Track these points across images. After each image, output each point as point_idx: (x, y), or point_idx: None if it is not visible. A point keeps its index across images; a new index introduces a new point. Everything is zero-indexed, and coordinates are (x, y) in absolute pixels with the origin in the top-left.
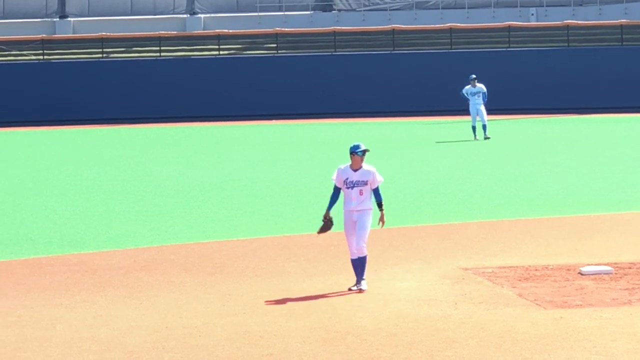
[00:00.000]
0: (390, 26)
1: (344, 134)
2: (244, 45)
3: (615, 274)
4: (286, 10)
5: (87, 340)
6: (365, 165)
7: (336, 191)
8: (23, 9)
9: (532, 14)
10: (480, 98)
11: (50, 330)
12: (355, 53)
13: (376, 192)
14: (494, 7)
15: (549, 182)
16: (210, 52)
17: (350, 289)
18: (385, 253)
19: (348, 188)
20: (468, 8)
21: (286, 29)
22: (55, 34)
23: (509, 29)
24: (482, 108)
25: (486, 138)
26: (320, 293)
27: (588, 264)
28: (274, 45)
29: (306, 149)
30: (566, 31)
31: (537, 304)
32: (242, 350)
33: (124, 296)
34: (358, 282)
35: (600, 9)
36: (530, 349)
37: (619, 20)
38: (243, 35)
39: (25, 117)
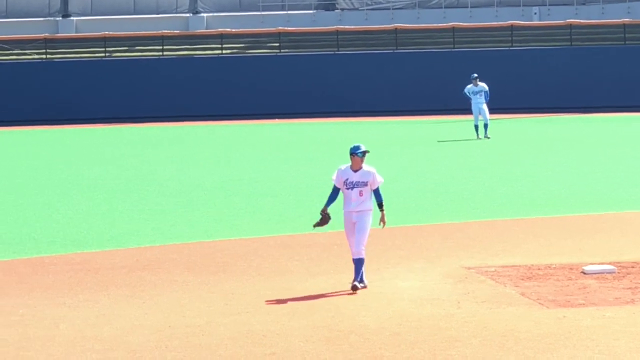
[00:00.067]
0: (392, 25)
1: (346, 133)
2: (247, 45)
3: (618, 273)
4: (289, 10)
5: (90, 339)
6: (365, 166)
7: (335, 191)
8: (25, 8)
9: (535, 13)
10: (483, 97)
11: (53, 329)
12: (358, 52)
13: (376, 192)
14: (497, 6)
15: (552, 182)
16: (213, 51)
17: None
18: (387, 252)
19: (348, 189)
20: (471, 7)
21: (289, 28)
22: (57, 33)
23: (512, 28)
24: (485, 107)
25: (486, 137)
26: (323, 292)
27: (591, 263)
28: (277, 44)
29: (309, 148)
30: (569, 30)
31: (539, 303)
32: (245, 349)
33: (127, 295)
34: (355, 280)
35: (603, 8)
36: (533, 348)
37: (622, 19)
38: (246, 35)
39: (28, 116)
